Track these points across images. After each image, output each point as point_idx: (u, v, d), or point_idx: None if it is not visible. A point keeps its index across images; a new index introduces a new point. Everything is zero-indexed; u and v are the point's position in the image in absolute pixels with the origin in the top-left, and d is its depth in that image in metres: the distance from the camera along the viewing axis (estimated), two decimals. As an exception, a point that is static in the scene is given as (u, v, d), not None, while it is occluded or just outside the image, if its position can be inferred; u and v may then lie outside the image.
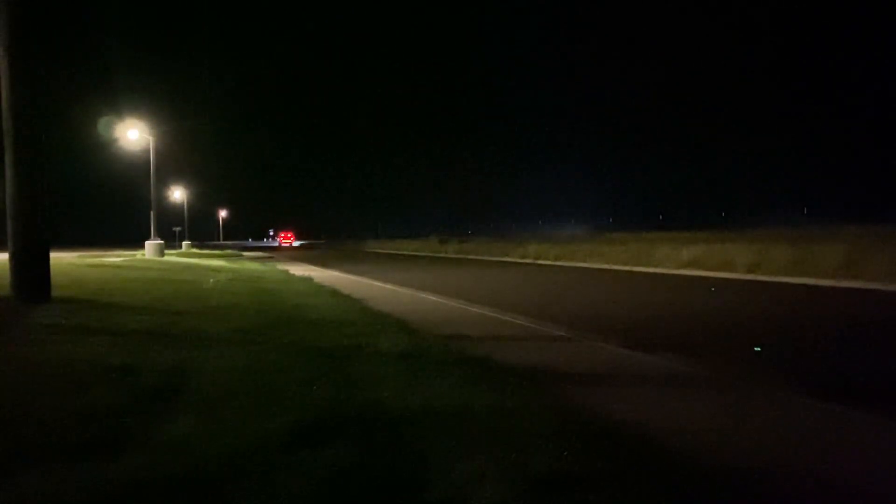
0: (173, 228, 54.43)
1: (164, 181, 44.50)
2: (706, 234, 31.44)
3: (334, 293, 11.24)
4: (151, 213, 29.49)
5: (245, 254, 43.68)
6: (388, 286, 14.38)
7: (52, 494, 2.51)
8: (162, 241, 28.61)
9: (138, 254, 27.44)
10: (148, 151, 29.19)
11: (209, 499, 2.51)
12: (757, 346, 6.48)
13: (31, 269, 8.28)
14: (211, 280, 14.15)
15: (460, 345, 5.87)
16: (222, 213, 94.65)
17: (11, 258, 8.25)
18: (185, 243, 52.67)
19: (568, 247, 27.56)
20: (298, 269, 20.73)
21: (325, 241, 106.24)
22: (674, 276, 16.89)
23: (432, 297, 11.70)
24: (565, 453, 2.93)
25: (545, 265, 23.86)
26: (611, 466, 2.82)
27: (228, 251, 48.33)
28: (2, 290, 8.36)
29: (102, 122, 28.79)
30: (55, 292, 8.53)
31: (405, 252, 43.85)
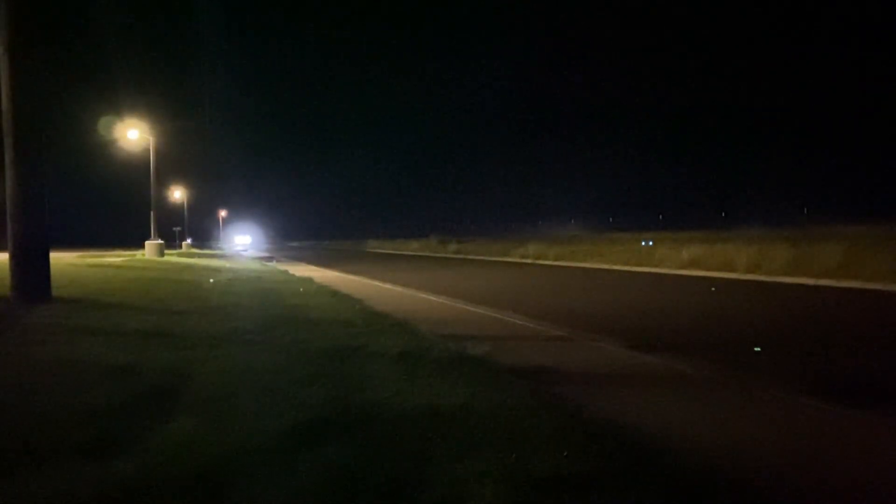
0: (173, 228, 54.43)
1: (164, 181, 44.47)
2: (706, 234, 31.45)
3: (334, 293, 11.25)
4: (151, 213, 29.51)
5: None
6: (388, 286, 14.38)
7: (53, 494, 2.52)
8: (162, 241, 28.62)
9: (138, 254, 27.46)
10: (148, 151, 29.21)
11: (209, 499, 2.51)
12: (757, 347, 6.48)
13: (32, 269, 8.29)
14: (211, 280, 14.15)
15: (460, 345, 5.87)
16: (222, 213, 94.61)
17: (11, 258, 8.26)
18: (185, 243, 52.68)
19: (568, 247, 27.58)
20: (299, 270, 20.74)
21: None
22: (674, 276, 16.89)
23: (432, 297, 11.71)
24: (565, 453, 2.93)
25: (545, 265, 23.85)
26: (611, 467, 2.82)
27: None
28: (2, 290, 8.37)
29: (102, 122, 28.83)
30: (55, 292, 8.54)
31: (405, 252, 43.83)
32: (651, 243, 25.55)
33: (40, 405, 3.63)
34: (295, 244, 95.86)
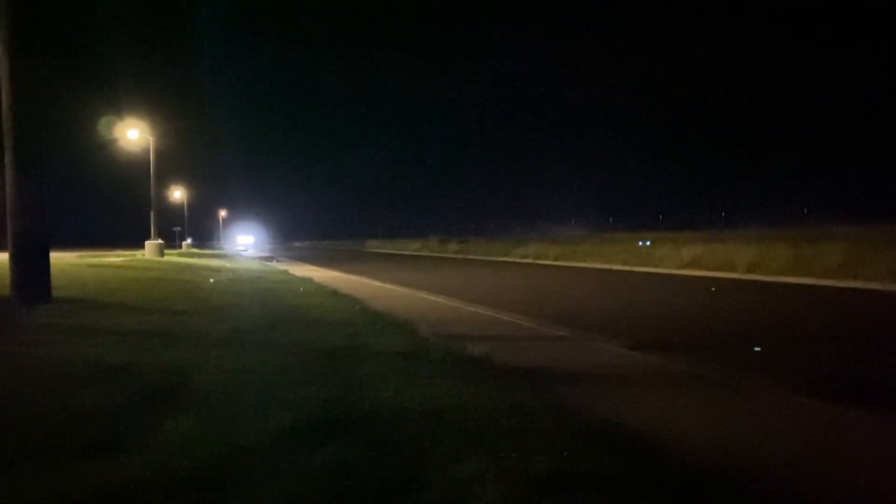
0: (173, 228, 54.42)
1: (164, 181, 44.44)
2: (706, 234, 31.44)
3: (334, 293, 11.25)
4: (151, 213, 29.51)
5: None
6: (388, 286, 14.37)
7: (53, 494, 2.51)
8: (162, 241, 28.62)
9: (138, 254, 27.45)
10: (148, 151, 29.20)
11: (209, 498, 2.51)
12: (757, 346, 6.48)
13: (31, 269, 8.29)
14: (211, 280, 14.15)
15: (460, 344, 5.87)
16: (222, 213, 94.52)
17: (11, 258, 8.26)
18: (185, 243, 52.68)
19: (568, 247, 27.57)
20: (299, 270, 20.74)
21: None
22: (674, 276, 16.89)
23: (432, 297, 11.70)
24: (565, 453, 2.93)
25: (545, 265, 23.86)
26: (610, 467, 2.82)
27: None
28: (2, 290, 8.37)
29: (102, 122, 28.83)
30: (55, 292, 8.54)
31: (405, 252, 43.83)
32: (649, 243, 25.55)
33: (39, 405, 3.63)
34: (299, 244, 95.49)
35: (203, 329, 6.55)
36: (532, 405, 3.74)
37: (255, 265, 23.75)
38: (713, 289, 13.10)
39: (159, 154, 29.86)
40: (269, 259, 32.80)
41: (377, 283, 15.14)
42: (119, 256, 24.91)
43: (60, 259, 16.50)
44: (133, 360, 4.75)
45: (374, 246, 60.16)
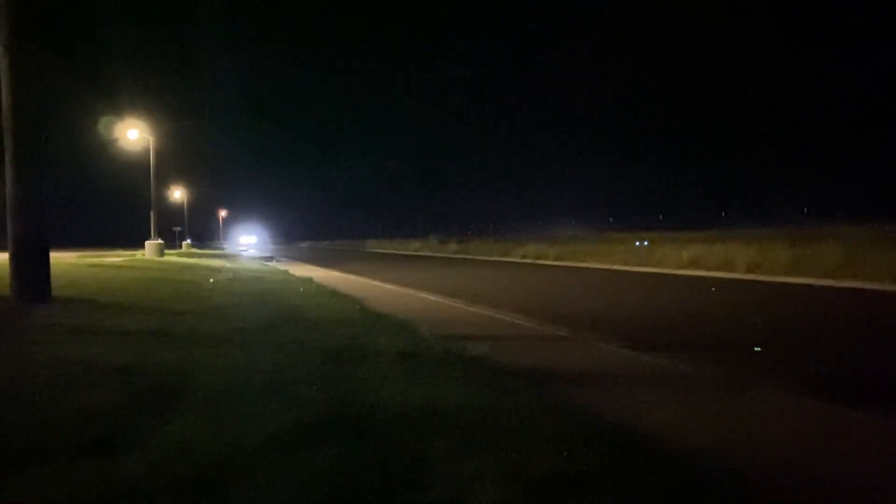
0: (173, 228, 54.38)
1: (164, 181, 44.43)
2: (706, 234, 31.41)
3: (334, 293, 11.25)
4: (151, 213, 29.51)
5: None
6: (388, 286, 14.38)
7: (53, 495, 2.52)
8: (162, 241, 28.61)
9: (138, 254, 27.44)
10: (148, 151, 29.21)
11: (209, 499, 2.51)
12: (757, 347, 6.48)
13: (31, 269, 8.29)
14: (211, 280, 14.16)
15: (460, 344, 5.86)
16: (222, 213, 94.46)
17: (11, 258, 8.26)
18: (185, 243, 52.67)
19: (568, 247, 27.57)
20: (299, 270, 20.74)
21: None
22: (674, 276, 16.88)
23: (432, 297, 11.71)
24: (565, 453, 2.93)
25: (545, 265, 23.86)
26: (610, 467, 2.82)
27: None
28: (2, 290, 8.37)
29: (102, 122, 28.85)
30: (55, 292, 8.54)
31: (405, 252, 43.84)
32: (646, 243, 25.54)
33: (38, 405, 3.63)
34: (303, 245, 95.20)
35: (203, 329, 6.55)
36: (532, 406, 3.74)
37: (256, 265, 23.75)
38: (713, 289, 13.10)
39: (159, 154, 29.89)
40: (269, 259, 32.80)
41: (377, 283, 15.14)
42: (119, 256, 24.91)
43: (60, 259, 16.49)
44: (133, 361, 4.75)
45: (374, 246, 60.16)
